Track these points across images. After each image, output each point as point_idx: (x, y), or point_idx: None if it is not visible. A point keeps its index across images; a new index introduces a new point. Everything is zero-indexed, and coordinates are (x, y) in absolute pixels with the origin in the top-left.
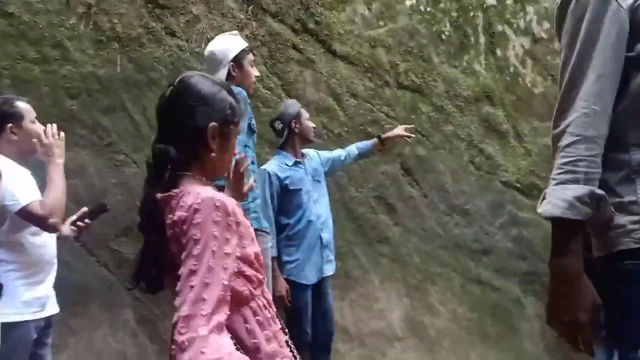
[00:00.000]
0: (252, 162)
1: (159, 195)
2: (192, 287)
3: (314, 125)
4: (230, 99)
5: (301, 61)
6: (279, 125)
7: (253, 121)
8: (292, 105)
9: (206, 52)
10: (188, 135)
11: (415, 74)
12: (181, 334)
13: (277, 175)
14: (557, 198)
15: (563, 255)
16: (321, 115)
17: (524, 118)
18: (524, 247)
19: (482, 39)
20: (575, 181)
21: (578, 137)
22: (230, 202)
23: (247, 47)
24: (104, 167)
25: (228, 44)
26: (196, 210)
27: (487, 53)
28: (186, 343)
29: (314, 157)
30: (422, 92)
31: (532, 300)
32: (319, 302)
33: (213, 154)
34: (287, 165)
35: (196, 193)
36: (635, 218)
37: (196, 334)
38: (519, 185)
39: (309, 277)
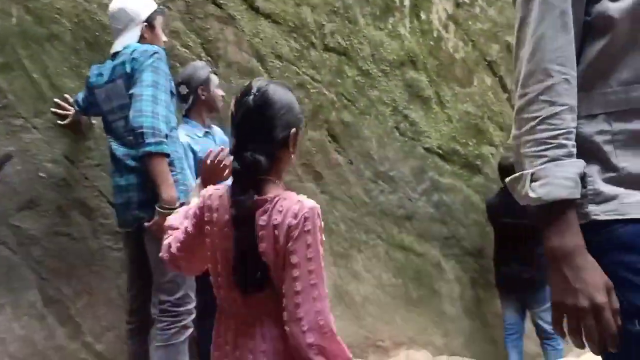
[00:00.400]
0: (175, 128)
1: (254, 199)
2: (312, 285)
3: (223, 94)
4: (298, 107)
5: (222, 18)
6: (184, 89)
7: (172, 83)
8: (201, 69)
9: (114, 8)
10: (275, 143)
11: (342, 35)
12: (319, 329)
13: (191, 147)
14: (558, 177)
15: (565, 235)
16: (245, 78)
17: (446, 83)
18: (445, 213)
19: (406, 2)
20: (570, 155)
21: (563, 107)
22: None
23: (160, 8)
24: (0, 133)
25: (140, 2)
26: (306, 219)
27: (412, 16)
28: (327, 335)
29: (218, 130)
30: (348, 55)
31: (452, 263)
32: None
33: (293, 156)
34: (198, 136)
35: (297, 200)
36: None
37: (331, 331)
38: (440, 151)
39: None
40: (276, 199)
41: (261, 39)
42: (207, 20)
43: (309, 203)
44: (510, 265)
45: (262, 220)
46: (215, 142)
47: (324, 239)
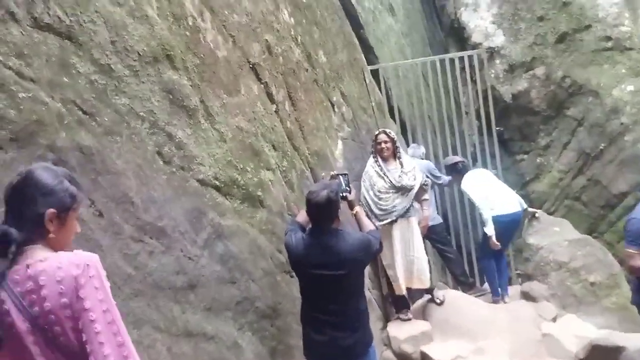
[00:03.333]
0: None
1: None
2: (110, 323)
3: None
4: (72, 188)
5: None
6: None
7: None
8: None
9: None
10: (30, 219)
11: (62, 7)
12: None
13: None
14: None
15: None
16: None
17: (212, 90)
18: (233, 267)
19: None
20: None
21: None
22: None
23: None
24: None
25: None
26: (89, 266)
27: None
28: None
29: None
30: (74, 40)
31: (249, 337)
32: None
33: (51, 235)
34: None
35: (73, 253)
36: None
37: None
38: (217, 182)
39: None
40: (49, 259)
41: None
42: None
43: (86, 254)
44: (324, 331)
45: (41, 280)
46: None
47: (108, 283)
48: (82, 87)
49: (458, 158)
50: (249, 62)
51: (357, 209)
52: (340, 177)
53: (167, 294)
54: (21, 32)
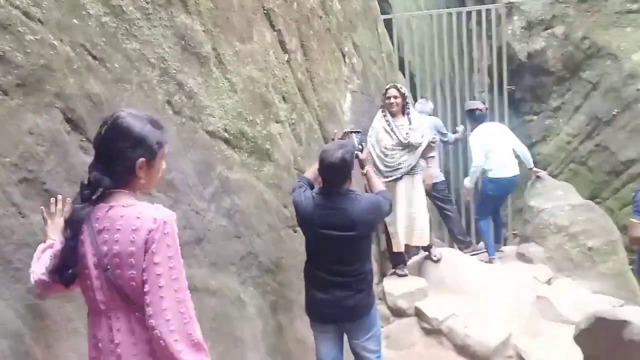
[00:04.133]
0: None
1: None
2: (174, 279)
3: None
4: (157, 134)
5: None
6: None
7: None
8: None
9: None
10: (121, 169)
11: None
12: (181, 321)
13: None
14: None
15: None
16: None
17: (225, 36)
18: (239, 222)
19: None
20: None
21: None
22: None
23: None
24: None
25: None
26: (165, 223)
27: None
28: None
29: None
30: None
31: (251, 291)
32: None
33: (142, 181)
34: None
35: (154, 208)
36: None
37: (191, 318)
38: (226, 134)
39: None
40: (132, 207)
41: None
42: None
43: (165, 210)
44: (327, 290)
45: (118, 224)
46: None
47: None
48: (93, 30)
49: (479, 104)
50: (263, 7)
51: (368, 168)
52: (353, 134)
53: None
54: None
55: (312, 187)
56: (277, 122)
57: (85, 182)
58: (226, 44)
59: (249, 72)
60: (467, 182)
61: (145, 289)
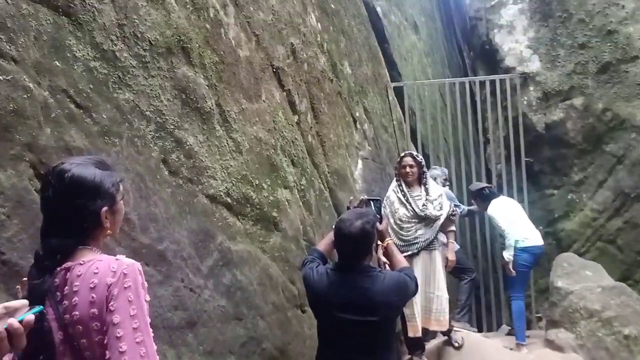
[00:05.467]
0: None
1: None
2: (139, 342)
3: None
4: (108, 175)
5: None
6: None
7: None
8: None
9: None
10: (85, 225)
11: None
12: None
13: None
14: None
15: None
16: None
17: (231, 93)
18: (240, 301)
19: None
20: None
21: None
22: None
23: None
24: None
25: None
26: (125, 275)
27: None
28: None
29: None
30: (73, 17)
31: None
32: None
33: (108, 230)
34: None
35: (114, 259)
36: None
37: None
38: (229, 199)
39: None
40: (89, 262)
41: None
42: None
43: (127, 260)
44: None
45: (74, 286)
46: None
47: (148, 297)
48: (78, 74)
49: (484, 184)
50: (272, 65)
51: (389, 241)
52: (371, 202)
53: (160, 334)
54: (6, 0)
55: (325, 262)
56: (285, 188)
57: (41, 252)
58: (232, 101)
59: (255, 132)
60: (507, 255)
61: (107, 356)
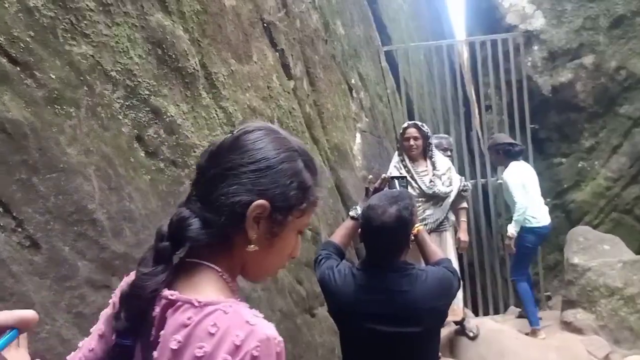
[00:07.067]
0: None
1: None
2: None
3: None
4: (304, 174)
5: None
6: None
7: None
8: None
9: None
10: (222, 209)
11: None
12: None
13: None
14: None
15: None
16: None
17: (217, 51)
18: None
19: None
20: None
21: None
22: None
23: None
24: None
25: None
26: (254, 359)
27: None
28: None
29: None
30: None
31: None
32: None
33: (251, 246)
34: None
35: (244, 321)
36: None
37: None
38: None
39: None
40: (209, 309)
41: None
42: None
43: (264, 329)
44: None
45: (174, 338)
46: None
47: None
48: (12, 17)
49: (511, 139)
50: (262, 19)
51: (420, 227)
52: (396, 181)
53: None
54: None
55: (342, 257)
56: None
57: (165, 228)
58: (219, 61)
59: (249, 100)
60: (513, 229)
61: None
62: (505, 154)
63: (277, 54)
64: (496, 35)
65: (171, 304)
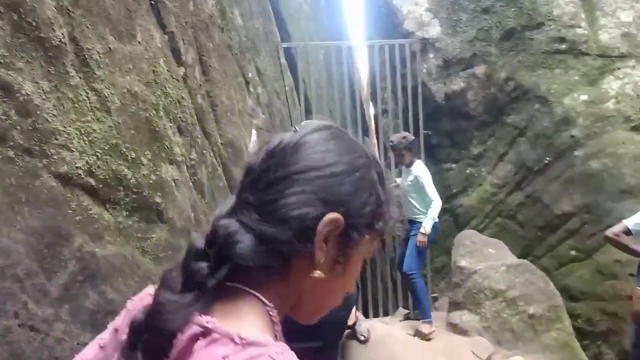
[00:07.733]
0: None
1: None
2: None
3: None
4: (379, 188)
5: None
6: None
7: None
8: None
9: None
10: (290, 222)
11: None
12: None
13: None
14: None
15: None
16: None
17: (92, 24)
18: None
19: None
20: None
21: None
22: None
23: None
24: None
25: None
26: None
27: None
28: None
29: None
30: None
31: None
32: None
33: (317, 272)
34: None
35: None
36: None
37: None
38: (92, 180)
39: None
40: (253, 350)
41: None
42: None
43: None
44: None
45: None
46: None
47: None
48: None
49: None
50: None
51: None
52: None
53: None
54: None
55: None
56: (171, 164)
57: (200, 242)
58: (94, 36)
59: (129, 83)
60: (429, 225)
61: None
62: (412, 152)
63: (166, 36)
64: (394, 40)
65: (205, 333)
